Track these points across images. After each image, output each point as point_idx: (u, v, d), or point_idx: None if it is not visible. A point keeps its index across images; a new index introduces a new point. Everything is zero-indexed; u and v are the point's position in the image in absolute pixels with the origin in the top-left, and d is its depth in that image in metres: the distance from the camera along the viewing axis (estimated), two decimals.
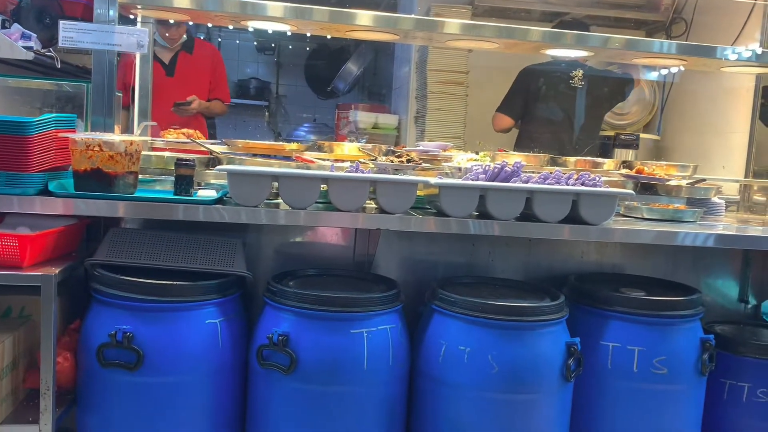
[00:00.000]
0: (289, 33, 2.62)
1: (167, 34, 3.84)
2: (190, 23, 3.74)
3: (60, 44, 2.03)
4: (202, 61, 4.01)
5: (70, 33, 2.02)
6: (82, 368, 1.84)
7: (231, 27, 2.92)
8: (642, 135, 4.44)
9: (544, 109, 3.82)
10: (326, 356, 1.80)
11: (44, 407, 1.73)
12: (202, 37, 5.93)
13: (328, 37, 2.71)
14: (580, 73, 3.76)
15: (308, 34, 2.79)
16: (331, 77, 6.15)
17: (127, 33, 2.09)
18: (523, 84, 3.82)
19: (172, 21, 2.92)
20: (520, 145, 3.85)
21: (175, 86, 3.85)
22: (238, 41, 6.75)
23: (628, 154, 4.12)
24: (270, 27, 2.50)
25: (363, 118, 4.50)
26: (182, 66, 3.92)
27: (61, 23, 2.04)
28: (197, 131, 2.64)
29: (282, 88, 6.90)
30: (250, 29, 2.66)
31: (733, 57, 2.54)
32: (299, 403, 1.82)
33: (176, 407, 1.80)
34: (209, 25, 3.79)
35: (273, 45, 6.75)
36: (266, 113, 6.64)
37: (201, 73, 3.99)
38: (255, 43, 6.73)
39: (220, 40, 6.57)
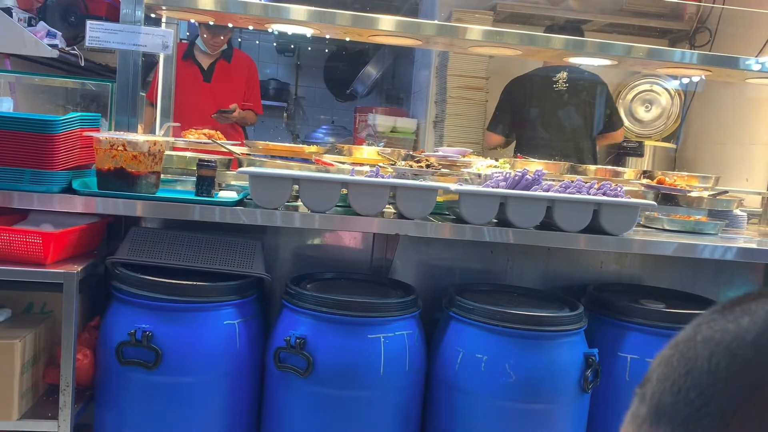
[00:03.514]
0: (309, 35, 2.63)
1: (212, 41, 3.84)
2: (230, 25, 3.75)
3: (87, 44, 2.06)
4: (239, 71, 4.04)
5: (97, 33, 2.05)
6: (101, 365, 1.86)
7: (251, 27, 2.93)
8: (661, 144, 4.40)
9: (534, 116, 3.74)
10: (343, 360, 1.80)
11: (63, 403, 1.75)
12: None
13: (347, 39, 2.72)
14: (564, 75, 3.68)
15: (327, 37, 2.80)
16: (350, 80, 6.16)
17: (152, 34, 2.11)
18: (507, 98, 3.75)
19: (211, 23, 2.92)
20: (519, 154, 3.78)
21: (211, 93, 3.88)
22: (258, 42, 6.79)
23: (636, 162, 4.08)
24: (293, 30, 2.52)
25: (381, 121, 4.49)
26: (219, 73, 3.95)
27: (89, 23, 2.06)
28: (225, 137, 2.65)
29: (301, 89, 6.92)
30: (274, 32, 2.68)
31: (756, 68, 2.51)
32: (315, 407, 1.82)
33: (193, 407, 1.81)
34: (229, 25, 3.80)
35: (293, 47, 6.78)
36: (285, 114, 6.66)
37: (237, 83, 4.01)
38: (275, 45, 6.76)
39: (240, 40, 6.60)
